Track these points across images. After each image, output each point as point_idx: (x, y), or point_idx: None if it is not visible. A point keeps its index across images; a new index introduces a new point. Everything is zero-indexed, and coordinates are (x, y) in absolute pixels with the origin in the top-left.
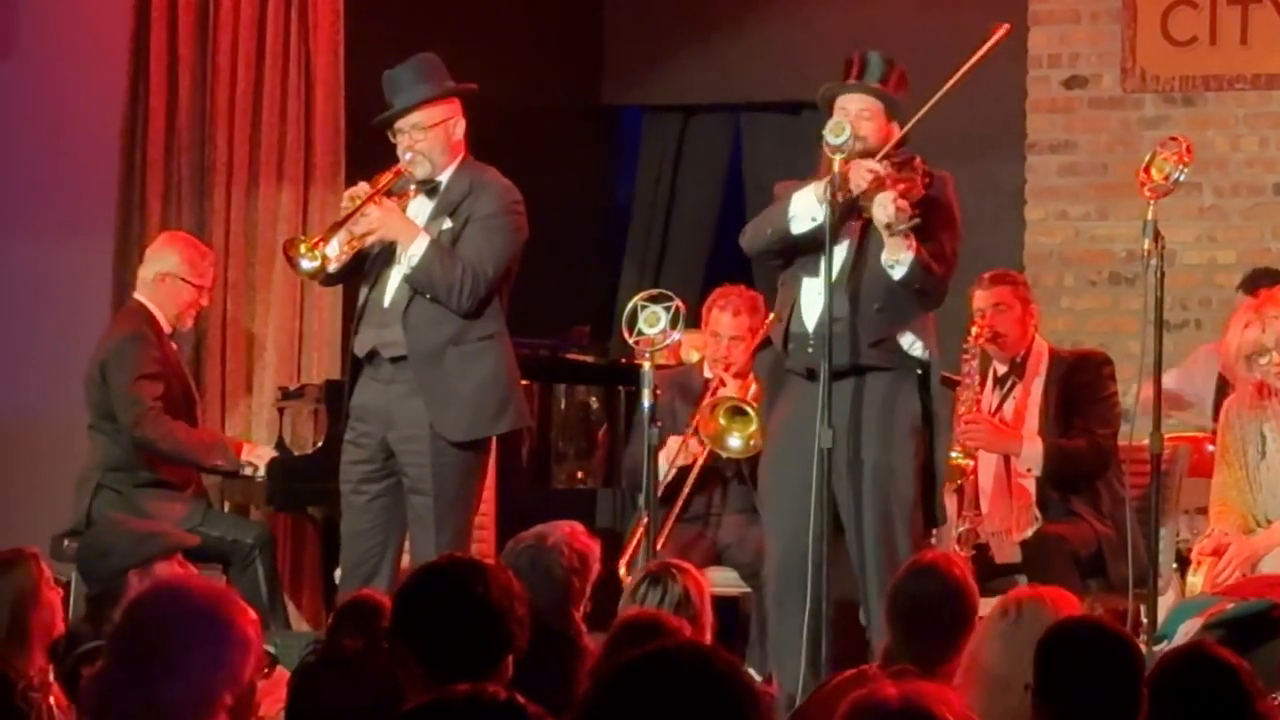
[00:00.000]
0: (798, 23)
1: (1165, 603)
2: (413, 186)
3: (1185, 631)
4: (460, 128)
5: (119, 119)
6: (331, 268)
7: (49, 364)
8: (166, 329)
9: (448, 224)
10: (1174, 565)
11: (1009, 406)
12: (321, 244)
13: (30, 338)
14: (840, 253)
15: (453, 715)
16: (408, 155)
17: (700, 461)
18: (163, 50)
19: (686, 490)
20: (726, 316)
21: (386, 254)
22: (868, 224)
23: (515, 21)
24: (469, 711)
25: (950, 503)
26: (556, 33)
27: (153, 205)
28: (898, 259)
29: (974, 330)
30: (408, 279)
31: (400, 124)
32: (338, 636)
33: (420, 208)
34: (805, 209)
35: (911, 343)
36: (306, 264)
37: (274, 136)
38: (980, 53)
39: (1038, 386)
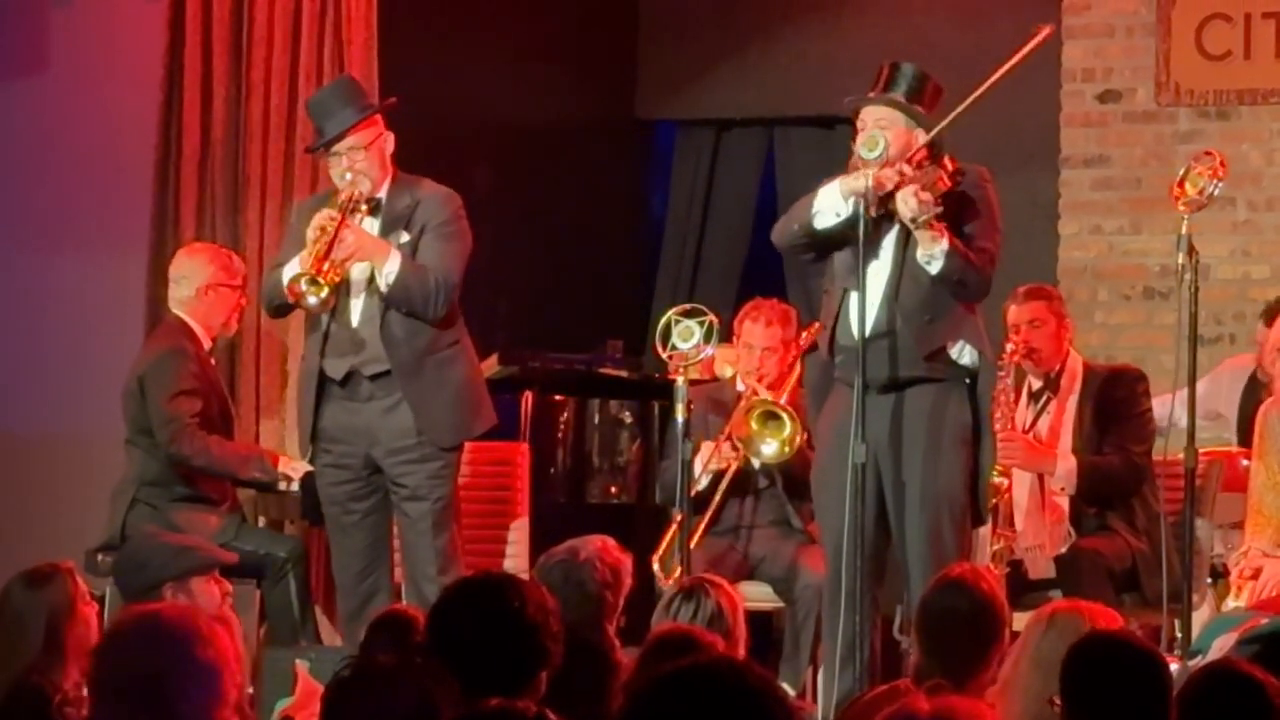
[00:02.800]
0: (831, 37)
1: (1199, 617)
2: (363, 206)
3: (1220, 646)
4: (390, 143)
5: (153, 134)
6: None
7: (84, 379)
8: (207, 344)
9: (405, 237)
10: (1208, 580)
11: (1044, 422)
12: (320, 273)
13: (65, 353)
14: (885, 266)
15: None
16: (347, 176)
17: (734, 468)
18: (197, 66)
19: (719, 497)
20: (759, 328)
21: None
22: (910, 236)
23: (550, 37)
24: None
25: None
26: (591, 48)
27: (187, 220)
28: (931, 253)
29: (1008, 346)
30: (386, 296)
31: (338, 147)
32: (371, 651)
33: (368, 227)
34: (830, 204)
35: (961, 350)
36: (314, 299)
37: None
38: (1022, 53)
39: (1072, 402)
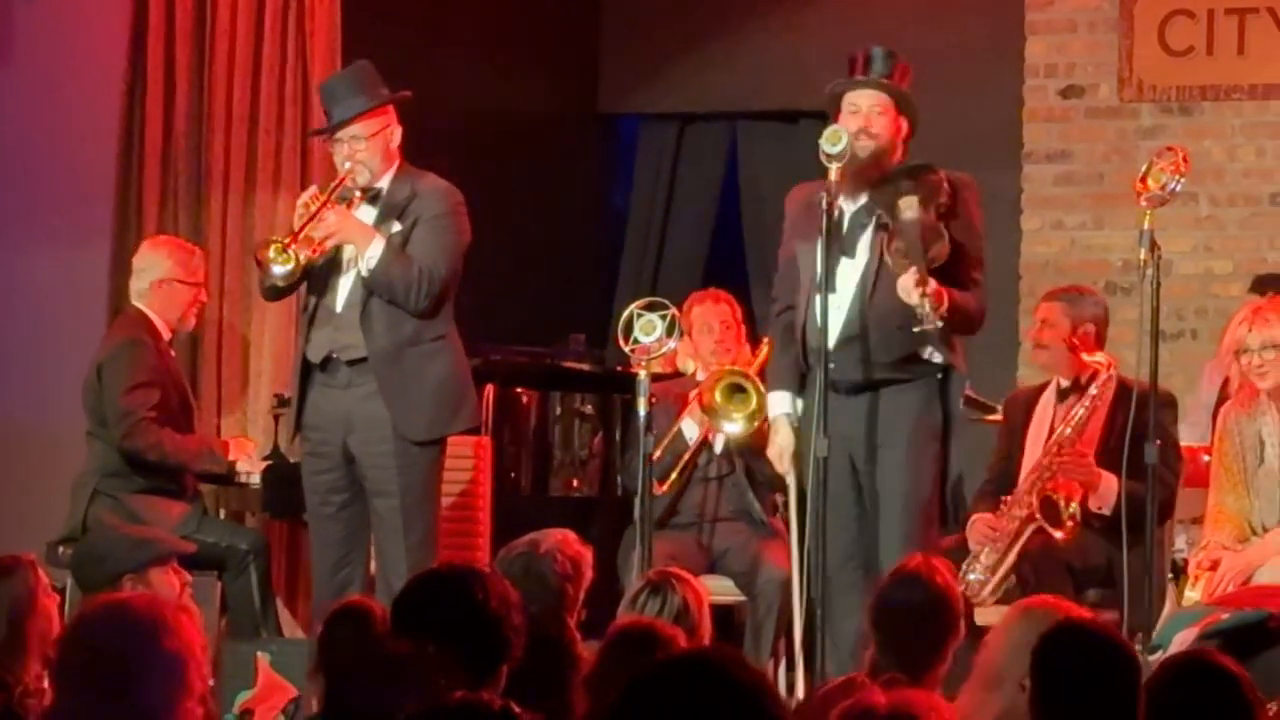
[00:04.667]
0: (794, 31)
1: (1160, 613)
2: (356, 194)
3: (1180, 641)
4: (397, 136)
5: (116, 126)
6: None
7: (45, 370)
8: (166, 335)
9: (396, 227)
10: (1170, 575)
11: (1072, 424)
12: (293, 244)
13: (27, 344)
14: (859, 267)
15: None
16: (347, 165)
17: (699, 439)
18: (159, 58)
19: (687, 456)
20: (710, 306)
21: (333, 261)
22: (888, 239)
23: (512, 30)
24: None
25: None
26: (553, 41)
27: (149, 212)
28: (926, 316)
29: (1100, 358)
30: (366, 282)
31: (341, 134)
32: (329, 643)
33: (364, 215)
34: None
35: (931, 352)
36: (279, 268)
37: (271, 144)
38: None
39: (1101, 411)
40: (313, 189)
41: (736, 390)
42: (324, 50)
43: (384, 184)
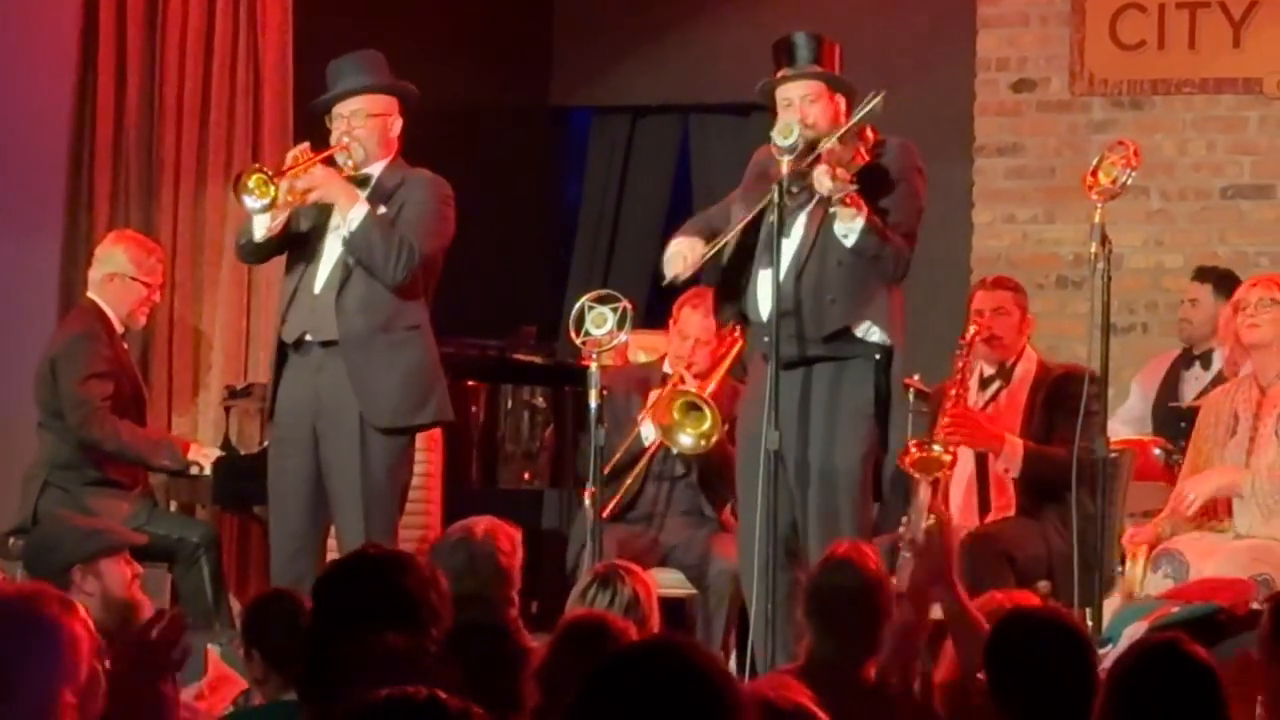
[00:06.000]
0: (747, 25)
1: (1110, 606)
2: (348, 163)
3: (1130, 635)
4: (398, 126)
5: (67, 118)
6: (267, 221)
7: None
8: (119, 328)
9: (383, 209)
10: (1119, 569)
11: (992, 410)
12: (277, 180)
13: None
14: (794, 245)
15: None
16: (344, 139)
17: (654, 446)
18: (111, 49)
19: (634, 474)
20: (697, 317)
21: (314, 241)
22: (824, 216)
23: (464, 22)
24: (391, 714)
25: (924, 492)
26: (505, 34)
27: (100, 204)
28: (849, 227)
29: (971, 329)
30: (346, 242)
31: (340, 108)
32: (251, 633)
33: None
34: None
35: (868, 329)
36: (254, 201)
37: (222, 136)
38: (859, 114)
39: (1021, 394)
40: (305, 144)
41: (693, 408)
42: (276, 42)
43: (376, 171)
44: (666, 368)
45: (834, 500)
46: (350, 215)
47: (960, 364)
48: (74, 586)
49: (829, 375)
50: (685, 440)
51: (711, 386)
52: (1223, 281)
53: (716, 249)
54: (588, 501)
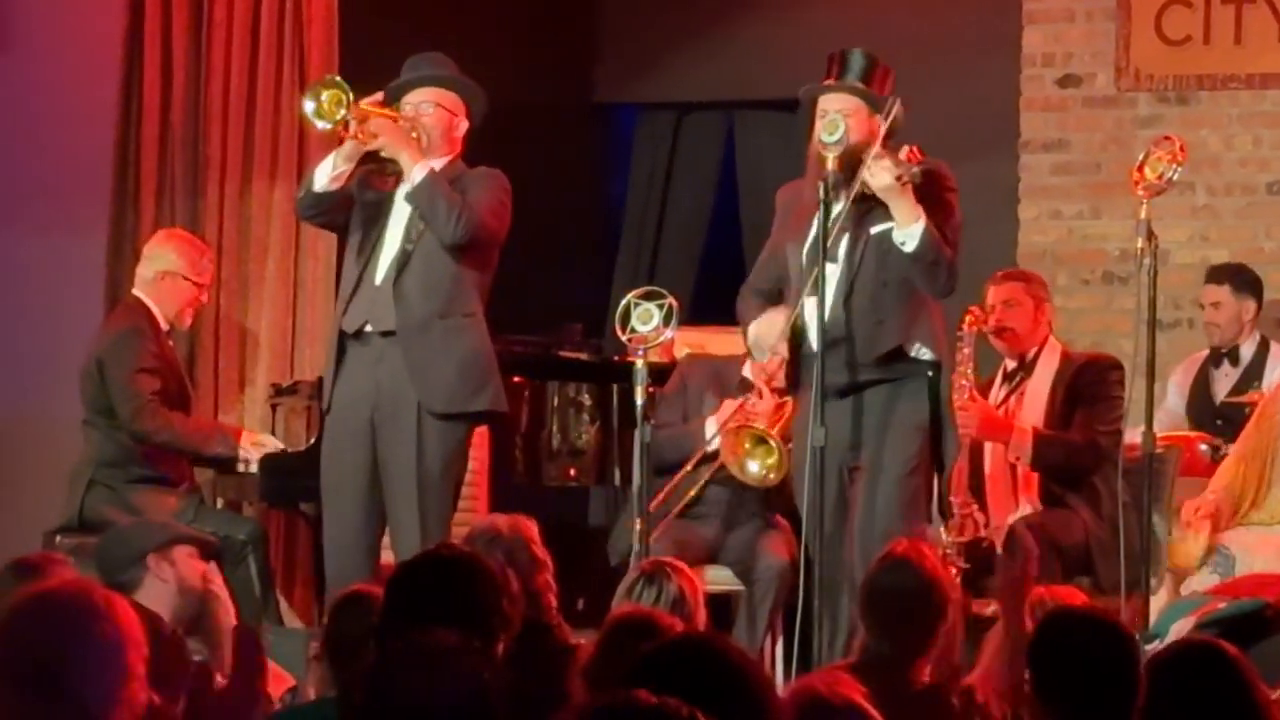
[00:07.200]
0: (791, 21)
1: (1157, 603)
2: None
3: (1177, 630)
4: (462, 127)
5: (113, 115)
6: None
7: (41, 360)
8: (164, 326)
9: None
10: (1166, 565)
11: (1014, 402)
12: (350, 107)
13: (23, 334)
14: (838, 270)
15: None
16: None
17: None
18: (157, 46)
19: (699, 455)
20: None
21: (377, 233)
22: (865, 241)
23: (510, 19)
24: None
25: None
26: (550, 30)
27: (146, 201)
28: (909, 231)
29: (968, 318)
30: (409, 196)
31: (410, 97)
32: (335, 631)
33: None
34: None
35: (919, 349)
36: (316, 115)
37: (268, 133)
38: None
39: (1044, 384)
40: (379, 95)
41: (761, 441)
42: (321, 39)
43: (437, 166)
44: (746, 371)
45: (883, 512)
46: (414, 173)
47: (960, 354)
48: (149, 574)
49: (882, 396)
50: (752, 469)
51: (784, 418)
52: (1238, 277)
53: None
54: (635, 496)
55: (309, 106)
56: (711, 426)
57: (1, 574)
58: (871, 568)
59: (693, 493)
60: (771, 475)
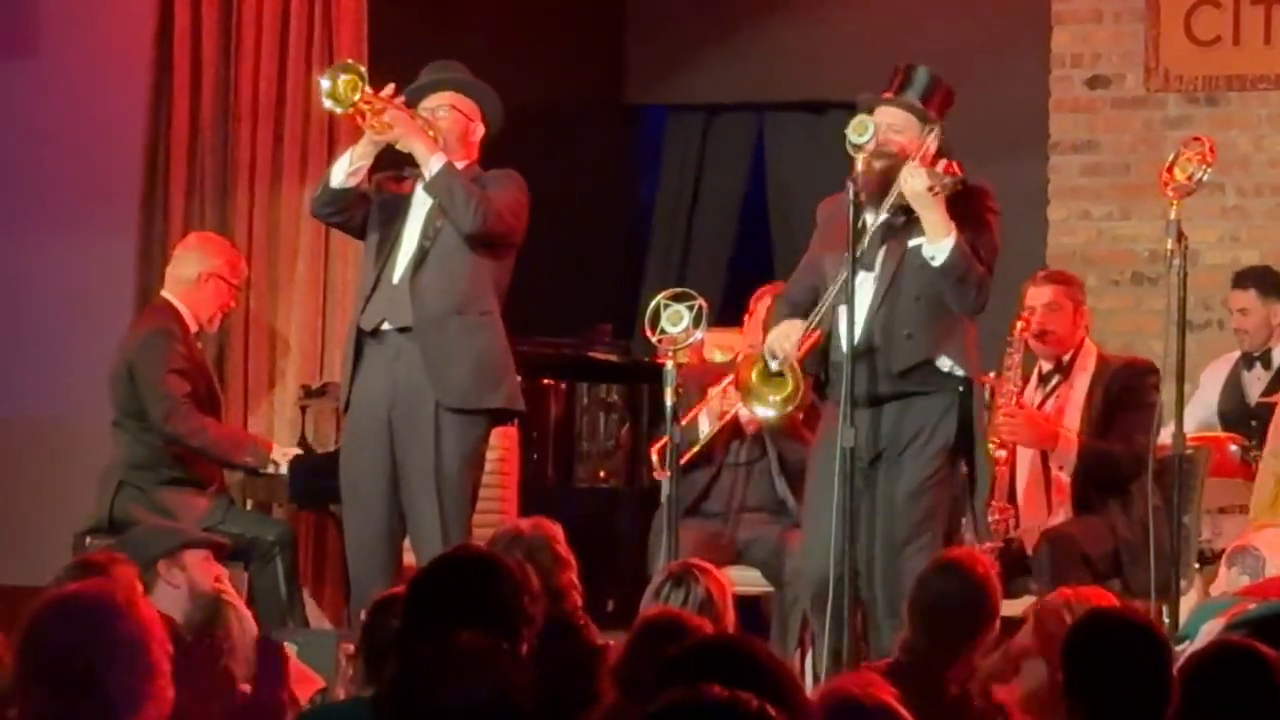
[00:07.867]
0: (821, 22)
1: (1187, 604)
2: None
3: (1208, 632)
4: (479, 133)
5: (142, 118)
6: (346, 167)
7: (71, 362)
8: (193, 328)
9: None
10: (1195, 566)
11: (1050, 405)
12: (367, 93)
13: (53, 337)
14: (871, 282)
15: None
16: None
17: (731, 414)
18: (186, 49)
19: (705, 438)
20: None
21: (395, 233)
22: (901, 254)
23: (539, 21)
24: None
25: None
26: (580, 32)
27: (175, 204)
28: (937, 247)
29: (1019, 324)
30: (426, 187)
31: (426, 101)
32: (372, 632)
33: (424, 200)
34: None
35: (950, 366)
36: (331, 101)
37: (297, 135)
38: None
39: (1081, 388)
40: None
41: (774, 374)
42: (350, 41)
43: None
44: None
45: (895, 527)
46: (430, 164)
47: (1009, 360)
48: (160, 580)
49: (907, 409)
50: (765, 410)
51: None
52: (1264, 281)
53: (819, 314)
54: (655, 459)
55: (324, 85)
56: (705, 420)
57: (67, 572)
58: (926, 568)
59: (701, 443)
60: (787, 406)
